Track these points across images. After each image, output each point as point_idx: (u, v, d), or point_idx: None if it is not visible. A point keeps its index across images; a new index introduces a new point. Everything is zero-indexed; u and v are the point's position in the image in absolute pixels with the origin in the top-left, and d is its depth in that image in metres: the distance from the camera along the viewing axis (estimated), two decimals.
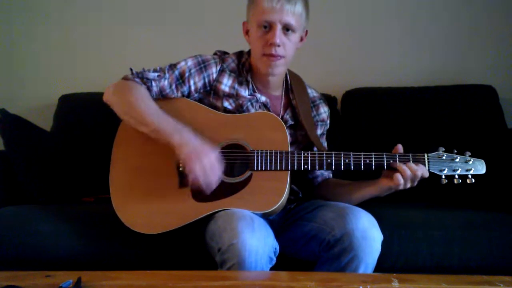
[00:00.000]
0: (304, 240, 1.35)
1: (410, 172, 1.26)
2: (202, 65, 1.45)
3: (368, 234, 1.22)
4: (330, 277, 1.09)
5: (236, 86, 1.45)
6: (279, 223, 1.44)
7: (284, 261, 1.31)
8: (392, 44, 2.37)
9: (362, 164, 1.31)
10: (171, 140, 1.29)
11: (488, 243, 1.48)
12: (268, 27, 1.37)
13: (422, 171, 1.27)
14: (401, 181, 1.26)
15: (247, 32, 1.46)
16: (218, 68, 1.46)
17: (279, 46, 1.36)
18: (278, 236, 1.36)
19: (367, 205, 1.36)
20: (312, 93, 1.58)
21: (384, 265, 1.26)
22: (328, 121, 1.61)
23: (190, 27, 2.38)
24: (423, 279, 1.04)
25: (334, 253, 1.24)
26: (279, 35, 1.35)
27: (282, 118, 1.48)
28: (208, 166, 1.25)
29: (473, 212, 1.64)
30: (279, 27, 1.35)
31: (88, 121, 2.13)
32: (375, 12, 2.36)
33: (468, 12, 2.32)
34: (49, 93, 2.31)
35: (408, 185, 1.28)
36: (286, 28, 1.37)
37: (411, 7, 2.35)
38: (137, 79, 1.40)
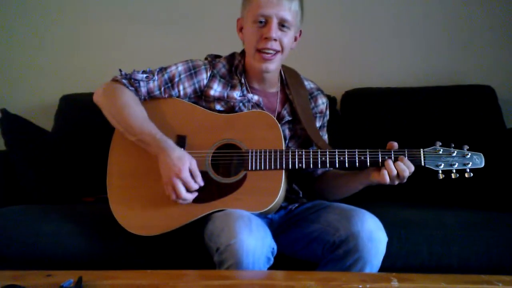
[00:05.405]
0: (306, 240, 1.35)
1: (397, 172, 1.25)
2: (193, 71, 1.44)
3: (374, 236, 1.22)
4: (330, 276, 1.09)
5: (227, 90, 1.44)
6: (279, 222, 1.44)
7: (285, 261, 1.32)
8: (392, 45, 2.37)
9: (357, 161, 1.30)
10: (151, 152, 1.32)
11: (487, 242, 1.48)
12: (264, 21, 1.36)
13: (410, 170, 1.26)
14: (387, 180, 1.26)
15: (241, 29, 1.45)
16: (208, 74, 1.45)
17: (275, 40, 1.36)
18: (278, 235, 1.36)
19: (367, 205, 1.36)
20: (309, 85, 1.57)
21: (383, 264, 1.26)
22: (327, 112, 1.60)
23: (192, 29, 2.38)
24: (422, 279, 1.04)
25: (339, 254, 1.25)
26: (275, 29, 1.35)
27: (279, 114, 1.48)
28: (180, 182, 1.27)
29: (472, 212, 1.64)
30: (275, 21, 1.35)
31: (89, 121, 2.12)
32: (374, 12, 2.36)
33: (467, 12, 2.32)
34: (50, 94, 2.32)
35: (396, 182, 1.28)
36: (282, 24, 1.36)
37: (411, 7, 2.35)
38: (124, 81, 1.42)
